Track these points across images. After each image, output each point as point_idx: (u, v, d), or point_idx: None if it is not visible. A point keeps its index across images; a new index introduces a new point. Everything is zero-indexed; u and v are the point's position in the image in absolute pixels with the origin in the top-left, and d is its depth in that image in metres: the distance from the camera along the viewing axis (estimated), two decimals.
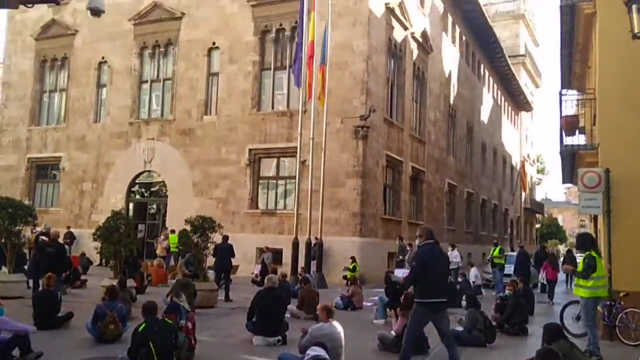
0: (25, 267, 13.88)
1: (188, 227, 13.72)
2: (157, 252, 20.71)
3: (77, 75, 26.07)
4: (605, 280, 9.20)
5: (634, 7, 7.37)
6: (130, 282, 13.90)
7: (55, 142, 26.08)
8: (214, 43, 22.97)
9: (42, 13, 25.82)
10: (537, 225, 60.90)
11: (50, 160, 26.25)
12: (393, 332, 8.80)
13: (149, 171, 24.05)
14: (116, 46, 25.01)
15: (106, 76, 25.46)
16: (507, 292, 11.93)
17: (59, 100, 26.95)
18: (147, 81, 24.77)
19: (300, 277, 15.06)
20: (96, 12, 9.25)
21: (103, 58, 25.40)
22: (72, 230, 23.15)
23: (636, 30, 7.41)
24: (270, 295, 9.05)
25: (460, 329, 9.55)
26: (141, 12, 24.41)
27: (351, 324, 11.64)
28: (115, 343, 8.26)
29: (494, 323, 10.23)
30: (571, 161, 15.82)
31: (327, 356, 4.92)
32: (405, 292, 9.12)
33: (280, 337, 8.98)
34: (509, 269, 18.74)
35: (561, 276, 23.09)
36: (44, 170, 26.84)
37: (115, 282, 10.75)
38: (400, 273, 16.15)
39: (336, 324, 6.99)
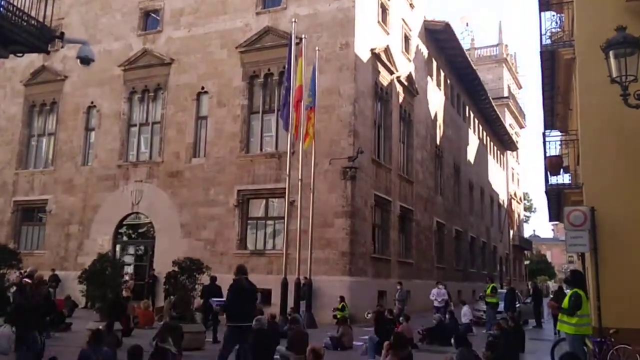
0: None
1: (175, 269, 13.61)
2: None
3: (65, 119, 26.18)
4: (590, 318, 9.25)
5: (610, 53, 7.66)
6: (117, 325, 13.69)
7: (42, 185, 25.95)
8: (202, 87, 23.30)
9: (32, 59, 26.04)
10: (526, 262, 61.03)
11: (36, 203, 26.05)
12: None
13: (136, 213, 23.92)
14: (105, 91, 25.25)
15: (95, 120, 25.59)
16: (495, 331, 11.89)
17: (47, 143, 26.97)
18: (135, 125, 24.92)
19: (289, 318, 14.89)
20: (86, 61, 9.45)
21: (92, 103, 25.58)
22: (57, 272, 22.85)
23: (614, 75, 7.67)
24: (259, 337, 8.96)
25: None
26: (131, 59, 24.78)
27: None
28: None
29: None
30: (557, 199, 16.05)
31: None
32: (395, 332, 9.06)
33: None
34: (502, 306, 18.74)
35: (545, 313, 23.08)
36: (30, 213, 26.60)
37: (101, 326, 10.57)
38: None
39: None
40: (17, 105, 27.39)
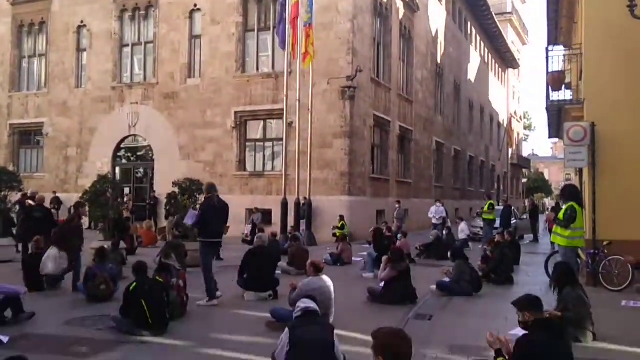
0: (14, 231, 13.83)
1: (176, 190, 13.70)
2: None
3: (55, 39, 25.41)
4: (583, 231, 9.42)
5: None
6: (121, 244, 13.97)
7: (36, 108, 25.61)
8: (195, 5, 22.45)
9: None
10: (524, 180, 61.66)
11: (32, 126, 25.83)
12: (379, 282, 8.96)
13: (134, 135, 23.78)
14: (95, 9, 24.34)
15: (86, 40, 24.82)
16: (488, 247, 12.16)
17: (38, 65, 26.31)
18: (128, 45, 24.21)
19: (290, 236, 15.20)
20: None
21: (82, 22, 24.72)
22: (58, 195, 23.07)
23: None
24: (260, 253, 9.15)
25: (447, 280, 9.72)
26: None
27: (341, 278, 11.82)
28: (107, 302, 8.33)
29: (480, 274, 10.45)
30: (557, 116, 15.87)
31: (316, 307, 4.99)
32: (393, 247, 9.24)
33: (271, 292, 9.12)
34: (498, 222, 19.08)
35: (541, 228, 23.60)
36: (27, 136, 26.46)
37: (106, 245, 10.78)
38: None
39: (325, 278, 7.08)
40: (5, 25, 26.49)
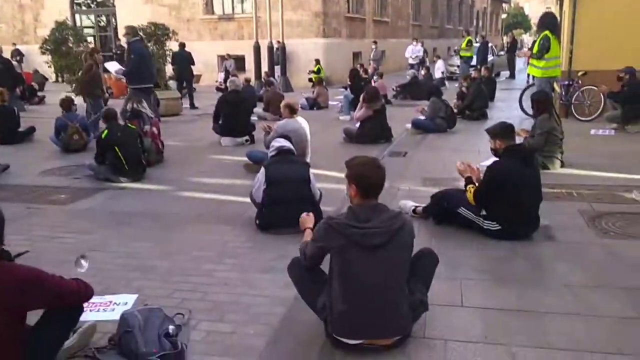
0: None
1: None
2: None
3: None
4: (559, 60, 9.31)
5: None
6: None
7: None
8: None
9: None
10: (504, 16, 59.95)
11: None
12: (355, 122, 8.98)
13: None
14: None
15: None
16: (464, 83, 12.06)
17: None
18: None
19: (264, 81, 14.89)
20: None
21: None
22: (18, 47, 21.95)
23: None
24: (234, 98, 8.95)
25: (422, 117, 9.77)
26: None
27: (318, 121, 11.81)
28: (82, 153, 8.29)
29: (455, 110, 10.50)
30: None
31: (291, 146, 4.97)
32: (370, 87, 9.09)
33: (247, 138, 9.11)
34: (475, 60, 18.84)
35: (519, 64, 23.44)
36: None
37: (73, 95, 10.45)
38: None
39: (300, 119, 7.01)
40: None
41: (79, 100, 9.58)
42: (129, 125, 6.93)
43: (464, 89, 11.73)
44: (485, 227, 4.39)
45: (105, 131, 6.59)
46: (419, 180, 6.39)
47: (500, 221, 4.32)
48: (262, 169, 4.77)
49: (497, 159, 4.56)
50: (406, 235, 2.76)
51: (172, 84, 15.07)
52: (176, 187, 6.46)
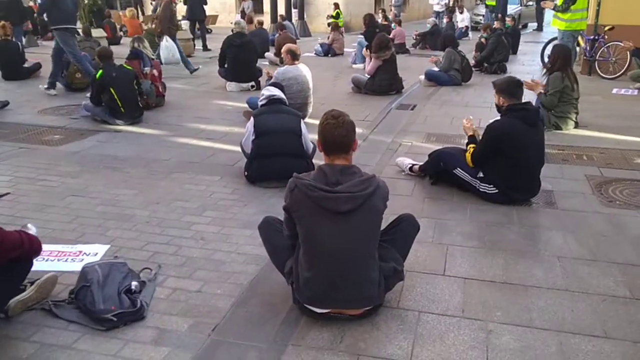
0: None
1: None
2: None
3: None
4: (585, 13, 8.78)
5: None
6: (100, 32, 13.32)
7: None
8: None
9: None
10: None
11: None
12: (367, 75, 8.61)
13: None
14: None
15: None
16: (483, 34, 11.53)
17: None
18: None
19: (278, 24, 14.42)
20: None
21: None
22: None
23: None
24: (239, 42, 8.61)
25: (436, 69, 9.36)
26: None
27: (330, 69, 11.51)
28: (84, 92, 8.10)
29: (472, 62, 10.03)
30: None
31: (282, 95, 4.70)
32: (378, 36, 8.65)
33: (253, 83, 8.83)
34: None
35: (549, 15, 22.36)
36: None
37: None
38: None
39: (302, 66, 6.69)
40: None
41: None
42: (125, 65, 6.68)
43: (483, 39, 11.19)
44: (481, 190, 4.16)
45: (100, 71, 6.37)
46: (422, 135, 6.11)
47: (498, 184, 4.08)
48: (252, 119, 4.55)
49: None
50: (378, 201, 2.53)
51: (185, 24, 14.70)
52: (172, 132, 6.28)
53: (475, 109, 7.34)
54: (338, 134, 2.55)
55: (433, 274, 3.12)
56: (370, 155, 5.36)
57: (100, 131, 6.29)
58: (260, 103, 4.69)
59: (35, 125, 6.53)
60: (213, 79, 9.55)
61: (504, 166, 4.04)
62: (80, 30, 10.15)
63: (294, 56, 6.59)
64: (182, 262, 3.26)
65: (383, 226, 2.79)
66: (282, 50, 6.68)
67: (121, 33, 17.56)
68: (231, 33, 9.07)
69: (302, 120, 4.64)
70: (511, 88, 4.14)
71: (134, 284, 2.86)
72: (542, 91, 6.18)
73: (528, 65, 11.53)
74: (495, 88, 4.21)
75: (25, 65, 9.82)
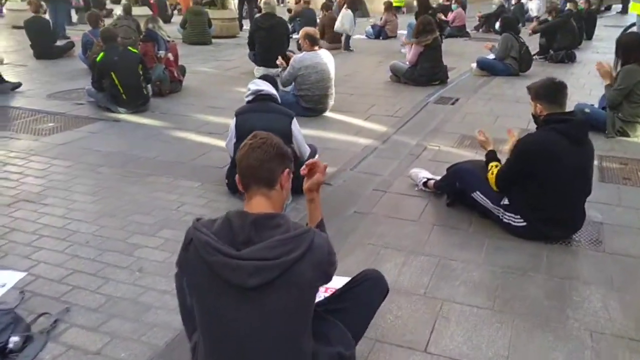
0: None
1: None
2: None
3: None
4: None
5: None
6: (144, 10, 12.91)
7: None
8: None
9: None
10: None
11: None
12: (407, 62, 7.67)
13: None
14: None
15: None
16: (548, 18, 10.23)
17: None
18: None
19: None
20: None
21: None
22: None
23: None
24: (268, 24, 7.85)
25: (491, 56, 8.25)
26: None
27: (376, 53, 10.63)
28: None
29: (535, 50, 8.84)
30: None
31: (272, 91, 3.92)
32: (420, 18, 7.67)
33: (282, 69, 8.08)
34: None
35: None
36: None
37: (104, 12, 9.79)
38: None
39: (323, 52, 5.90)
40: None
41: None
42: (130, 48, 6.10)
43: (549, 18, 9.88)
44: (505, 220, 3.26)
45: (102, 53, 5.84)
46: (455, 138, 5.18)
47: (526, 215, 3.17)
48: (234, 118, 3.84)
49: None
50: (307, 270, 1.68)
51: (233, 2, 14.11)
52: (173, 124, 5.68)
53: (525, 106, 6.27)
54: (254, 158, 1.77)
55: (410, 349, 2.30)
56: (386, 162, 4.53)
57: (99, 120, 5.78)
58: (246, 99, 3.95)
59: (35, 110, 6.11)
60: (244, 62, 8.91)
61: (536, 193, 3.12)
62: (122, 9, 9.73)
63: (313, 41, 5.81)
64: (98, 305, 2.61)
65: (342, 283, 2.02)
66: (300, 34, 5.90)
67: (175, 11, 17.26)
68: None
69: (293, 120, 3.85)
70: (550, 92, 3.18)
71: (14, 340, 2.24)
72: (610, 82, 5.11)
73: (602, 53, 10.08)
74: (531, 93, 3.26)
75: (58, 43, 9.55)
